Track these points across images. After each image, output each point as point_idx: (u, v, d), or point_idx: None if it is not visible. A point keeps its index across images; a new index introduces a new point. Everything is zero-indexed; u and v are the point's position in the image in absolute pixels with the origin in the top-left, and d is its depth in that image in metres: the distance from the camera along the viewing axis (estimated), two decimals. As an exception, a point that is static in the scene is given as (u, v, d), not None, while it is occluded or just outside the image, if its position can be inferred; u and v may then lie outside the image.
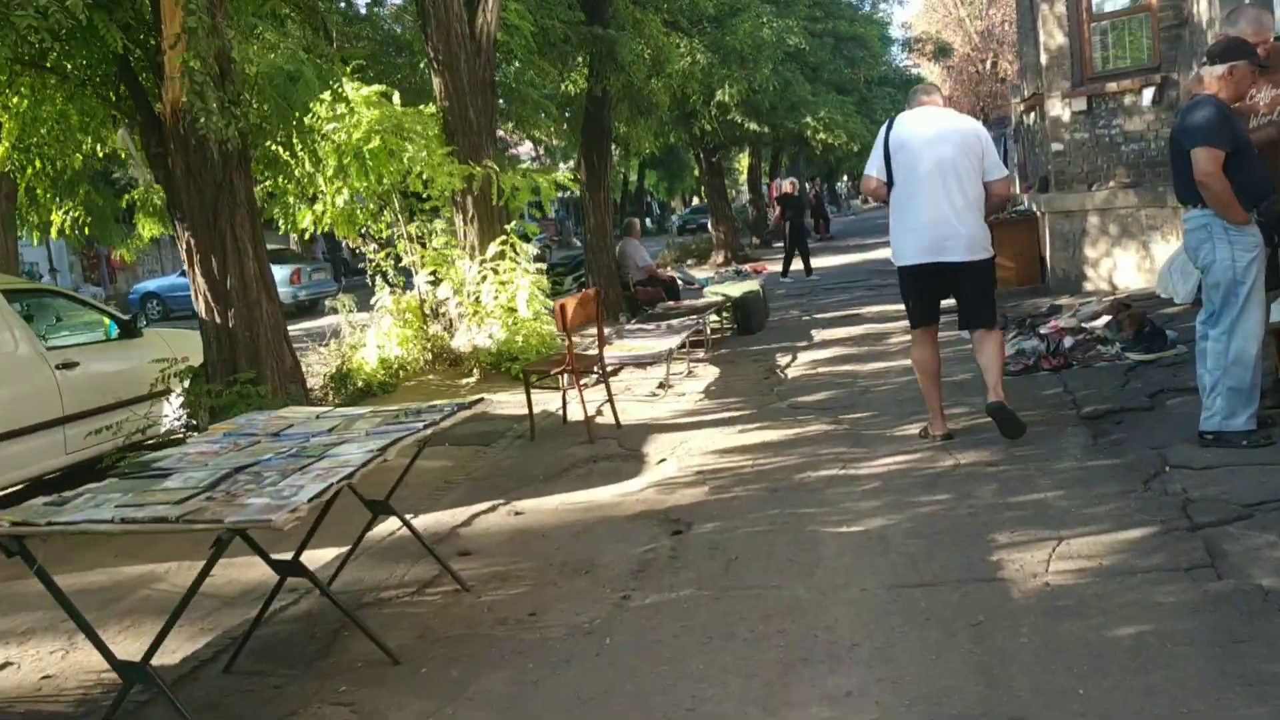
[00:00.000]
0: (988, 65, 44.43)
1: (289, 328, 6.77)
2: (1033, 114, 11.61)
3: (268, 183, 8.32)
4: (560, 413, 7.24)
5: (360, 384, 8.84)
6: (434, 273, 9.46)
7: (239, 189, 6.11)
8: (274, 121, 6.47)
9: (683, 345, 8.46)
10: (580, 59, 12.03)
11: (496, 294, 9.34)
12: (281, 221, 9.22)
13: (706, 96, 19.53)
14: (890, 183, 5.28)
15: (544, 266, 9.91)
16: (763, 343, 9.87)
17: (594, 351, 7.25)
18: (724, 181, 25.75)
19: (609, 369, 8.02)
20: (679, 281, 18.90)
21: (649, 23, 11.96)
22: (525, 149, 41.46)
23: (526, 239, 9.67)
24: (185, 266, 6.25)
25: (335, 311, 10.20)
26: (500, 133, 28.68)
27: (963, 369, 6.87)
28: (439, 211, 10.41)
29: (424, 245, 9.80)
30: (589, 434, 6.51)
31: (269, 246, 6.89)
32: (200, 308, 6.25)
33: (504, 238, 9.43)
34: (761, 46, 18.71)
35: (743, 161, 37.84)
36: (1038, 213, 10.78)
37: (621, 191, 52.51)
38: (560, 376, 7.00)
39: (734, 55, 17.38)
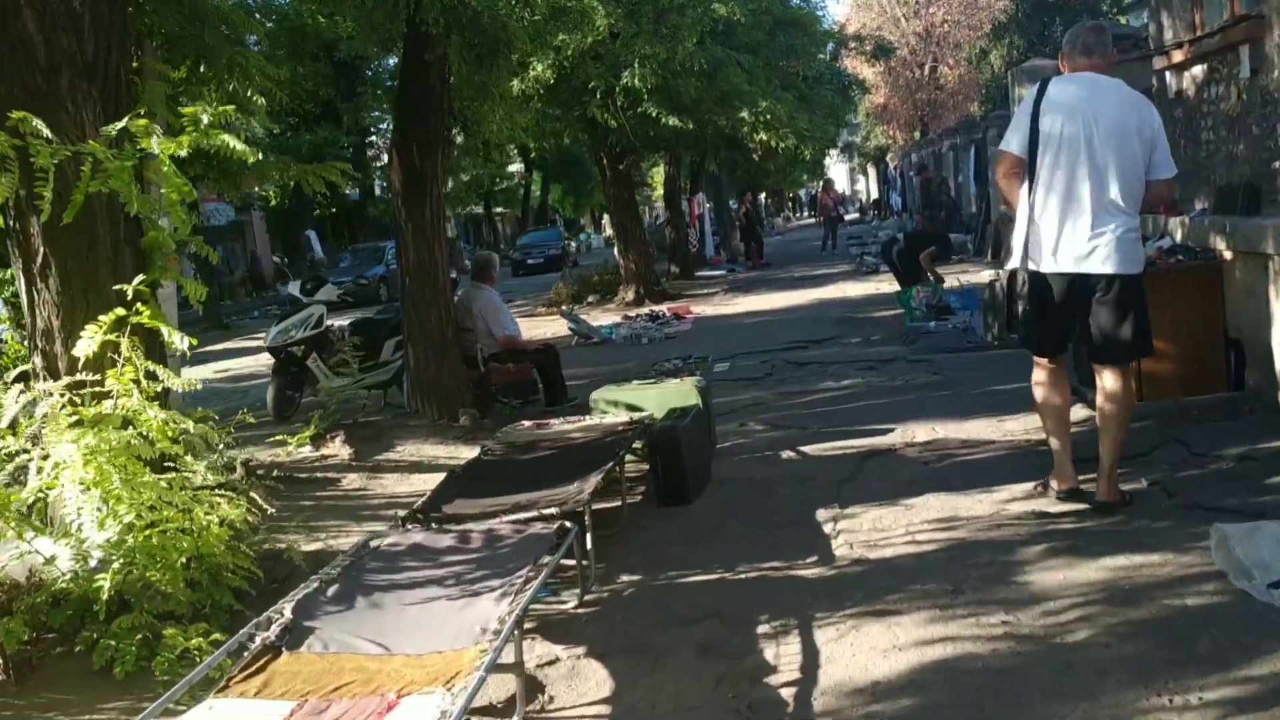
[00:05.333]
0: (926, 70, 40.12)
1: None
2: (1188, 74, 6.45)
3: None
4: None
5: None
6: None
7: None
8: None
9: (517, 625, 2.98)
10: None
11: (86, 459, 3.80)
12: None
13: (610, 79, 14.38)
14: (1032, 165, 4.18)
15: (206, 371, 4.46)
16: (712, 541, 4.46)
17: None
18: (634, 195, 20.40)
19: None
20: (573, 332, 13.51)
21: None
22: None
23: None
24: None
25: None
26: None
27: None
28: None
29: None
30: None
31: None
32: None
33: (123, 313, 3.94)
34: (684, 7, 13.61)
35: (658, 174, 32.51)
36: (1225, 254, 5.64)
37: (521, 207, 46.79)
38: None
39: (647, 8, 12.18)
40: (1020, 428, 5.79)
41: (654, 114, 15.26)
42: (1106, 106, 4.10)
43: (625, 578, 4.10)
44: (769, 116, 15.88)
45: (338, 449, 7.22)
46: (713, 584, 3.95)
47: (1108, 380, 4.25)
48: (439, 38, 6.87)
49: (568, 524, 3.73)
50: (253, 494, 4.52)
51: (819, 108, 20.33)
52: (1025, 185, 4.24)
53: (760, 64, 17.11)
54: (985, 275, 10.53)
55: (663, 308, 15.74)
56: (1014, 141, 4.26)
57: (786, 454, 5.83)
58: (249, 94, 5.59)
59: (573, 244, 33.38)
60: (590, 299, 18.58)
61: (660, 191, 29.30)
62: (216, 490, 4.56)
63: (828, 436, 6.10)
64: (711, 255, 26.46)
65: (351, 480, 6.53)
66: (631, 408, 5.77)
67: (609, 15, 13.19)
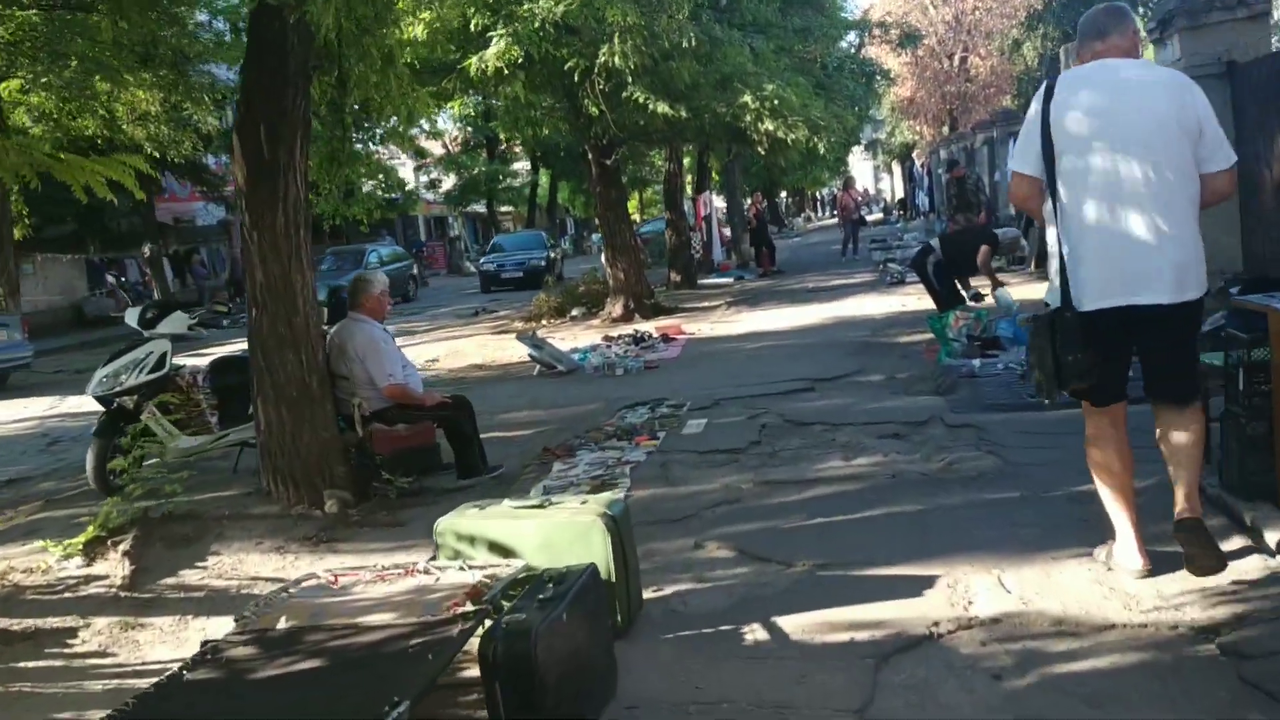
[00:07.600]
0: (955, 61, 37.51)
1: None
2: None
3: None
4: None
5: None
6: None
7: None
8: None
9: None
10: None
11: None
12: None
13: (588, 59, 12.14)
14: (1052, 183, 3.50)
15: None
16: None
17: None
18: (623, 194, 18.07)
19: None
20: (534, 360, 11.16)
21: None
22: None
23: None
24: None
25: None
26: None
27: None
28: None
29: None
30: None
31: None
32: None
33: None
34: (672, -31, 11.33)
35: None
36: None
37: (529, 206, 44.26)
38: None
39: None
40: (1148, 582, 3.45)
41: (641, 100, 12.92)
42: (1134, 95, 3.43)
43: None
44: (775, 102, 13.44)
45: (115, 564, 4.96)
46: None
47: (1182, 420, 3.54)
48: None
49: None
50: None
51: (838, 98, 18.01)
52: (1049, 206, 3.58)
53: (771, 46, 14.83)
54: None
55: (651, 326, 13.43)
56: (1026, 159, 3.61)
57: (753, 632, 3.47)
58: None
59: (553, 252, 27.87)
60: (575, 313, 16.30)
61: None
62: None
63: (826, 588, 3.75)
64: (720, 260, 24.15)
65: (95, 632, 4.25)
66: (496, 549, 3.47)
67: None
